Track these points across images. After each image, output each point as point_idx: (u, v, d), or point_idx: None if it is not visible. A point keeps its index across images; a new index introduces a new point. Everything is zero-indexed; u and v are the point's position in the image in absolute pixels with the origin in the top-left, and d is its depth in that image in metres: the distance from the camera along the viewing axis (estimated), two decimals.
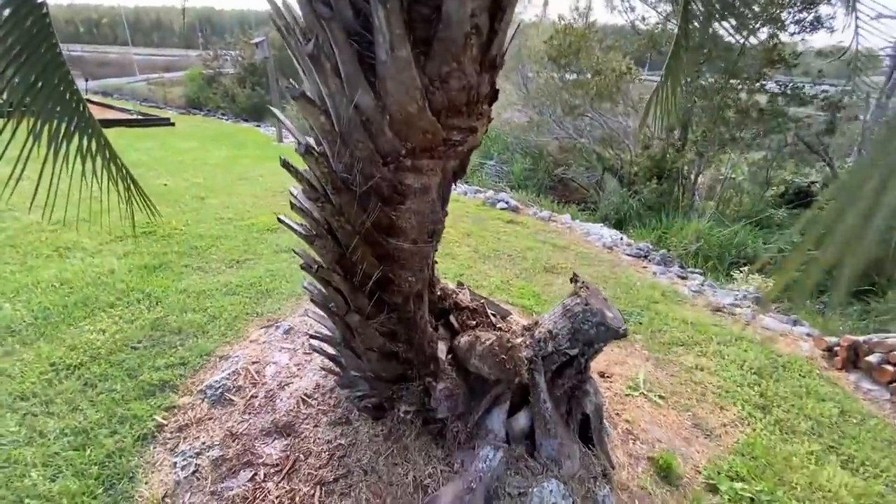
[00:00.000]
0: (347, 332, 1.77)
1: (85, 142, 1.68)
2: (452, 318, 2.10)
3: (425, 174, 1.53)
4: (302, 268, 1.68)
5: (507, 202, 6.45)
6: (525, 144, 9.64)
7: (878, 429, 2.55)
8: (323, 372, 2.09)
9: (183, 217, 4.43)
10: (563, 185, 9.23)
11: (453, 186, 1.92)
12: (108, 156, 1.78)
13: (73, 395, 2.09)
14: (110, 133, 7.82)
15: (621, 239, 5.52)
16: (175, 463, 1.75)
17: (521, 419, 1.79)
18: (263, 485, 1.65)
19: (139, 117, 9.63)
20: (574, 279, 1.89)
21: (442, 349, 1.93)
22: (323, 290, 1.75)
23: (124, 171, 1.85)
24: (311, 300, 1.73)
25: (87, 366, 2.27)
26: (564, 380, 1.80)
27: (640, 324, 3.38)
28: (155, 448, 1.85)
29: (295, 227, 1.68)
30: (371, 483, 1.62)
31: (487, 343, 1.68)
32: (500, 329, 2.17)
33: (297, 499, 1.58)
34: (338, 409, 1.90)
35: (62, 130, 1.58)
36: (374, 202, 1.50)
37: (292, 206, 1.59)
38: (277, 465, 1.71)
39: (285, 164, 1.50)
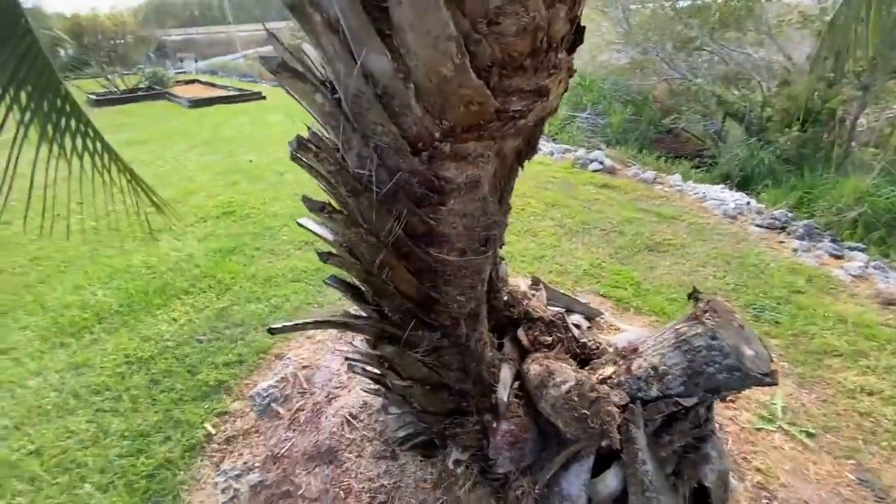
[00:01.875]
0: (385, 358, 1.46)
1: (89, 143, 1.53)
2: (521, 334, 1.69)
3: (472, 163, 1.09)
4: (326, 283, 1.38)
5: (601, 162, 5.62)
6: (626, 91, 8.33)
7: None
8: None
9: (261, 195, 4.46)
10: (673, 137, 7.88)
11: (519, 170, 1.45)
12: (112, 155, 1.60)
13: (139, 391, 2.10)
14: (209, 111, 8.34)
15: (748, 204, 4.48)
16: (217, 483, 1.64)
17: (610, 480, 1.35)
18: None
19: (233, 93, 10.17)
20: (694, 295, 1.34)
21: (507, 376, 1.53)
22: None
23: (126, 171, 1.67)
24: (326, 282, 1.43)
25: (155, 360, 2.29)
26: (674, 436, 1.31)
27: (778, 324, 2.63)
28: (202, 461, 1.76)
29: (321, 232, 1.36)
30: None
31: (563, 389, 1.25)
32: (583, 347, 1.71)
33: None
34: (383, 436, 1.64)
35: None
36: (404, 204, 1.10)
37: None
38: (316, 500, 1.51)
39: (294, 158, 1.16)
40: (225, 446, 1.80)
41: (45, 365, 2.32)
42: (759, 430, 1.92)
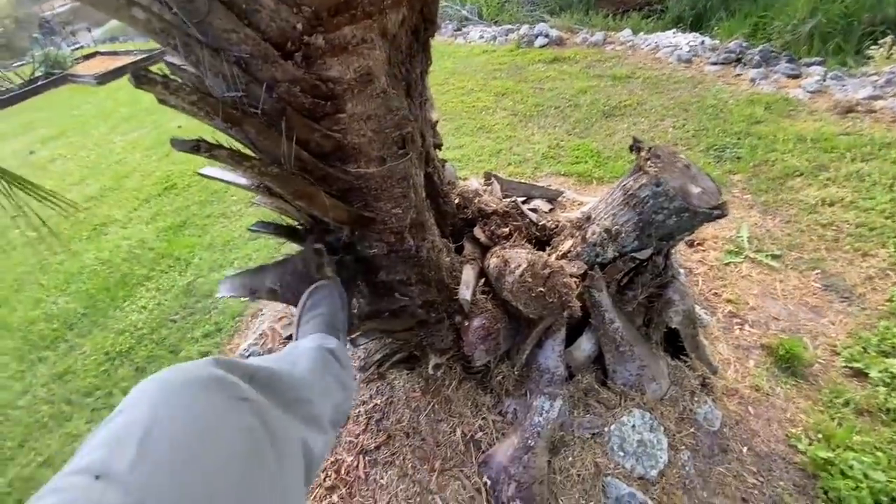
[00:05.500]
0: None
1: None
2: (477, 231, 1.64)
3: (356, 53, 0.94)
4: (250, 230, 1.29)
5: (546, 35, 5.23)
6: None
7: None
8: None
9: (199, 161, 4.13)
10: None
11: (428, 50, 1.28)
12: None
13: (128, 382, 2.10)
14: (122, 83, 7.49)
15: (702, 44, 4.25)
16: None
17: (585, 345, 1.40)
18: None
19: (141, 57, 9.09)
20: (635, 146, 1.28)
21: (469, 276, 1.51)
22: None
23: None
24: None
25: (135, 350, 2.27)
26: (637, 289, 1.33)
27: (739, 159, 2.61)
28: None
29: (231, 179, 1.25)
30: (416, 446, 1.42)
31: (518, 273, 1.22)
32: (542, 229, 1.67)
33: (342, 470, 1.44)
34: (369, 360, 1.66)
35: None
36: (297, 122, 0.98)
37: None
38: None
39: (161, 101, 1.00)
40: None
41: (30, 382, 2.29)
42: (727, 264, 1.97)
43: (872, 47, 3.65)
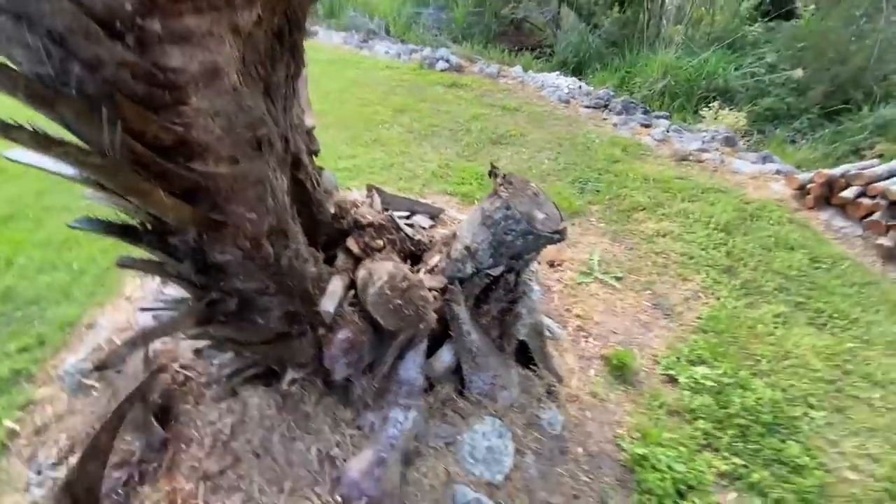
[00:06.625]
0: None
1: None
2: (351, 242, 1.63)
3: (201, 45, 0.89)
4: (70, 227, 1.14)
5: (447, 60, 5.48)
6: None
7: (848, 272, 2.37)
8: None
9: None
10: (516, 29, 7.93)
11: (297, 54, 1.25)
12: None
13: None
14: None
15: (580, 88, 4.81)
16: (30, 479, 1.42)
17: (445, 356, 1.45)
18: (139, 489, 1.35)
19: None
20: (492, 172, 1.38)
21: (336, 287, 1.49)
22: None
23: None
24: (118, 264, 1.21)
25: None
26: (491, 304, 1.42)
27: (598, 192, 2.97)
28: (10, 461, 1.50)
29: (45, 165, 1.08)
30: (265, 468, 1.33)
31: (378, 284, 1.24)
32: (417, 244, 1.72)
33: (178, 500, 1.29)
34: (219, 374, 1.53)
35: None
36: (129, 110, 0.89)
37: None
38: (154, 461, 1.40)
39: None
40: (36, 438, 1.55)
41: None
42: (580, 284, 2.21)
43: (705, 109, 4.45)
